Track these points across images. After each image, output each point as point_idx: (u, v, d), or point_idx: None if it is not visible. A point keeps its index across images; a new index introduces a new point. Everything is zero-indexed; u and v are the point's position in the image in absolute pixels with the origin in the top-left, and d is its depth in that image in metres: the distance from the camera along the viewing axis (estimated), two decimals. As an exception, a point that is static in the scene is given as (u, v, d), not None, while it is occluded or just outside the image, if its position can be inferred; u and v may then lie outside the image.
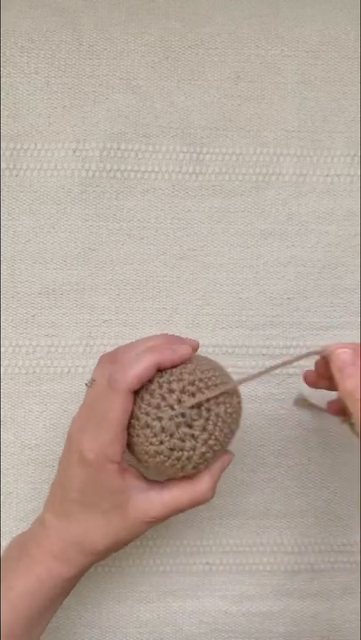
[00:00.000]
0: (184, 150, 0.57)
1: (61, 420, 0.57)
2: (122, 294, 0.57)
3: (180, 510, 0.49)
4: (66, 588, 0.50)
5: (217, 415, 0.48)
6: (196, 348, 0.51)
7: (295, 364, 0.58)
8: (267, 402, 0.58)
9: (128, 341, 0.57)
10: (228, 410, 0.49)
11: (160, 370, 0.48)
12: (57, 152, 0.56)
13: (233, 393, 0.49)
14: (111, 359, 0.50)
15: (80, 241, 0.57)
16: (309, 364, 0.52)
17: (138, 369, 0.47)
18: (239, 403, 0.50)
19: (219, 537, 0.58)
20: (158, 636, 0.58)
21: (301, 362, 0.58)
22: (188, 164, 0.57)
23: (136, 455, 0.49)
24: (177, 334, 0.57)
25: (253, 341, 0.58)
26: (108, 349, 0.57)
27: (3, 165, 0.56)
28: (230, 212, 0.58)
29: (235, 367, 0.58)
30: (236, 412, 0.49)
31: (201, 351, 0.57)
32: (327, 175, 0.58)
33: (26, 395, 0.57)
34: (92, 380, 0.50)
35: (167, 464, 0.48)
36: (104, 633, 0.58)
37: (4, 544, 0.56)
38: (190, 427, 0.47)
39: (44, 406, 0.57)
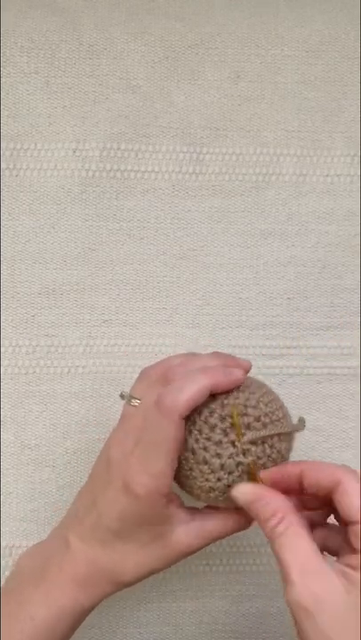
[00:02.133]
0: (184, 150, 0.57)
1: (61, 420, 0.57)
2: (122, 294, 0.57)
3: (219, 539, 0.47)
4: (83, 618, 0.48)
5: (278, 452, 0.46)
6: (248, 369, 0.48)
7: (293, 364, 0.58)
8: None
9: (128, 341, 0.57)
10: (289, 444, 0.47)
11: (213, 395, 0.45)
12: (57, 152, 0.56)
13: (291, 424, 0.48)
14: (161, 377, 0.47)
15: (80, 241, 0.57)
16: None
17: (190, 393, 0.44)
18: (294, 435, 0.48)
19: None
20: (158, 636, 0.58)
21: (306, 363, 0.58)
22: (188, 164, 0.57)
23: (185, 487, 0.47)
24: (177, 334, 0.57)
25: (253, 341, 0.58)
26: (109, 349, 0.57)
27: (3, 165, 0.56)
28: (230, 212, 0.58)
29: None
30: (292, 444, 0.47)
31: (201, 351, 0.57)
32: (327, 175, 0.58)
33: (26, 395, 0.57)
34: (132, 397, 0.48)
35: (220, 499, 0.46)
36: (104, 633, 0.58)
37: (4, 544, 0.56)
38: (249, 464, 0.45)
39: (43, 406, 0.57)
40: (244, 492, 0.44)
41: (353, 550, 0.41)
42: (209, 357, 0.48)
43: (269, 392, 0.48)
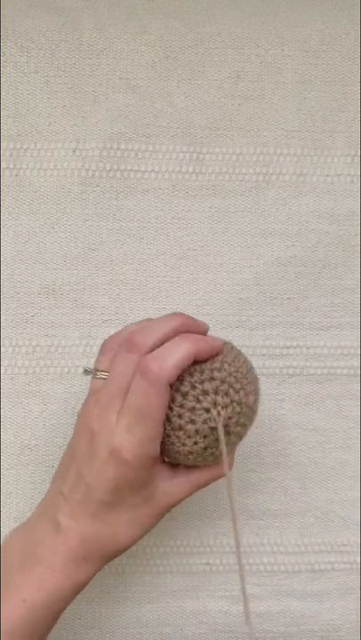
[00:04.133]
0: (184, 150, 0.57)
1: (61, 420, 0.57)
2: (122, 294, 0.57)
3: (203, 486, 0.49)
4: (77, 593, 0.47)
5: (248, 407, 0.47)
6: (206, 331, 0.49)
7: (295, 363, 0.58)
8: (267, 402, 0.58)
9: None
10: (255, 397, 0.48)
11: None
12: (57, 152, 0.56)
13: (257, 378, 0.49)
14: (125, 344, 0.47)
15: (80, 241, 0.57)
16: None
17: (175, 360, 0.44)
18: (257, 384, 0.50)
19: (219, 537, 0.58)
20: (158, 637, 0.58)
21: (306, 363, 0.58)
22: (189, 164, 0.57)
23: (165, 452, 0.48)
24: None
25: (253, 341, 0.58)
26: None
27: (3, 165, 0.56)
28: (230, 211, 0.58)
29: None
30: (258, 397, 0.49)
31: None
32: (327, 175, 0.58)
33: (25, 395, 0.57)
34: (97, 370, 0.48)
35: (199, 460, 0.47)
36: (104, 633, 0.58)
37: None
38: (225, 425, 0.46)
39: (43, 406, 0.57)
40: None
41: None
42: (174, 318, 0.47)
43: (229, 349, 0.48)
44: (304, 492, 0.58)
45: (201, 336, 0.47)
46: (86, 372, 0.49)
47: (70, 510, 0.47)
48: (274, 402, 0.58)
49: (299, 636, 0.59)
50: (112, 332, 0.57)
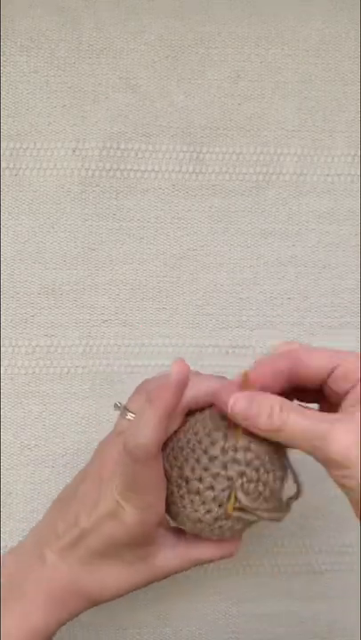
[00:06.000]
0: (184, 150, 0.57)
1: (61, 421, 0.57)
2: (122, 294, 0.57)
3: (202, 563, 0.47)
4: (59, 627, 0.46)
5: (271, 491, 0.44)
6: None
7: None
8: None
9: (128, 341, 0.57)
10: (282, 482, 0.45)
11: (223, 415, 0.43)
12: (56, 151, 0.56)
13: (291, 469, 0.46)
14: (149, 397, 0.43)
15: (80, 240, 0.57)
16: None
17: (149, 429, 0.42)
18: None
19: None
20: (158, 637, 0.58)
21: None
22: (189, 164, 0.57)
23: (171, 514, 0.46)
24: (177, 334, 0.57)
25: (253, 341, 0.58)
26: (108, 349, 0.57)
27: (3, 165, 0.56)
28: (230, 211, 0.58)
29: (235, 367, 0.58)
30: (285, 482, 0.46)
31: (201, 351, 0.58)
32: (328, 175, 0.58)
33: (25, 395, 0.57)
34: (127, 410, 0.46)
35: (207, 530, 0.45)
36: (102, 634, 0.58)
37: (3, 544, 0.56)
38: (240, 508, 0.44)
39: (43, 407, 0.57)
40: (237, 398, 0.42)
41: None
42: (209, 378, 0.46)
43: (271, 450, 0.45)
44: (304, 493, 0.58)
45: (171, 385, 0.42)
46: (116, 406, 0.48)
47: (60, 550, 0.45)
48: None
49: (299, 637, 0.59)
50: (112, 331, 0.57)
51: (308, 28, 0.57)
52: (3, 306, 0.57)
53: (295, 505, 0.59)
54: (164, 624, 0.58)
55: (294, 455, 0.47)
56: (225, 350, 0.58)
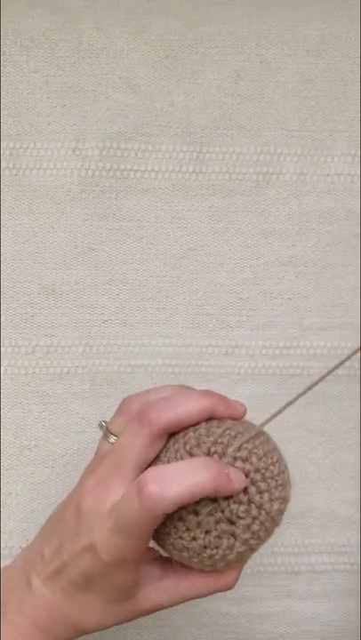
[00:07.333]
0: (184, 149, 0.57)
1: (61, 421, 0.57)
2: (121, 294, 0.57)
3: (192, 599, 0.44)
4: None
5: (267, 514, 0.41)
6: (241, 414, 0.44)
7: (293, 364, 0.58)
8: (267, 402, 0.58)
9: (128, 341, 0.57)
10: (281, 506, 0.42)
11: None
12: (56, 151, 0.56)
13: (289, 485, 0.43)
14: (140, 418, 0.42)
15: (79, 240, 0.57)
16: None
17: (182, 489, 0.38)
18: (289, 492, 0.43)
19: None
20: (158, 637, 0.58)
21: (306, 363, 0.58)
22: (189, 164, 0.57)
23: (157, 542, 0.43)
24: (177, 334, 0.57)
25: (253, 341, 0.58)
26: (108, 349, 0.57)
27: (2, 165, 0.56)
28: (230, 211, 0.57)
29: (235, 367, 0.58)
30: (285, 506, 0.42)
31: (201, 351, 0.58)
32: (328, 174, 0.58)
33: (25, 395, 0.57)
34: (109, 432, 0.44)
35: (195, 560, 0.41)
36: (102, 635, 0.58)
37: (3, 544, 0.56)
38: (232, 523, 0.40)
39: (43, 407, 0.57)
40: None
41: None
42: (197, 395, 0.43)
43: (264, 440, 0.43)
44: (304, 493, 0.58)
45: (226, 468, 0.40)
46: (100, 426, 0.46)
47: (45, 576, 0.44)
48: (274, 402, 0.58)
49: (299, 637, 0.59)
50: (111, 331, 0.57)
51: (308, 28, 0.57)
52: (3, 306, 0.57)
53: (296, 505, 0.59)
54: (164, 624, 0.58)
55: (290, 456, 0.47)
56: (225, 350, 0.58)
